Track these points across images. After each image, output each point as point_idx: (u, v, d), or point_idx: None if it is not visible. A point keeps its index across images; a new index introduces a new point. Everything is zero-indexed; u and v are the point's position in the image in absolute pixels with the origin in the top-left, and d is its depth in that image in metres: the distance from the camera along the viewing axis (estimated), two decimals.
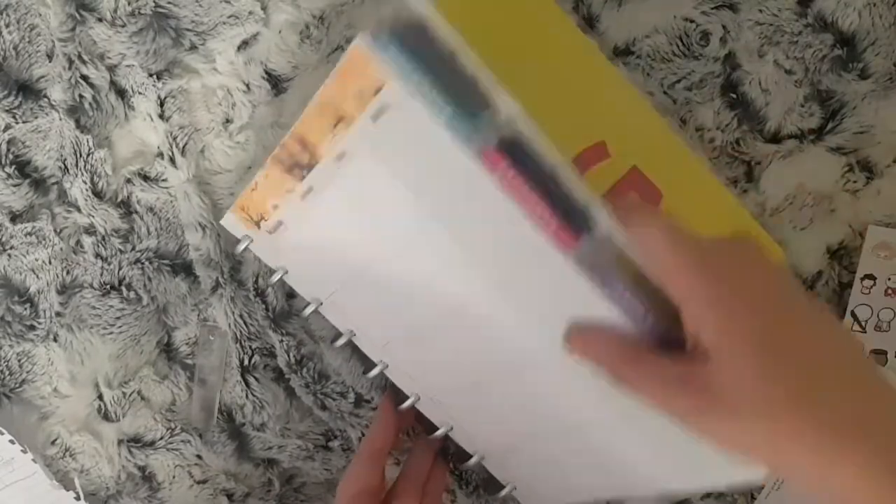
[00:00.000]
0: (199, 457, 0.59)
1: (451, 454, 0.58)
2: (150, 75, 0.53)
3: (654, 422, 0.41)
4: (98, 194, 0.55)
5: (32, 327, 0.57)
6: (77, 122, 0.53)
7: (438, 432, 0.53)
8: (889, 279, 0.55)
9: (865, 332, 0.55)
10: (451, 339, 0.48)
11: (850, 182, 0.54)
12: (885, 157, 0.54)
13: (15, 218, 0.56)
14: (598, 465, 0.49)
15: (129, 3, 0.52)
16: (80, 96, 0.53)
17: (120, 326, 0.57)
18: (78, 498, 0.58)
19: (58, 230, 0.56)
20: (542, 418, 0.49)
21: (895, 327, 0.55)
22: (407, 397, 0.53)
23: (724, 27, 0.53)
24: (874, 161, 0.54)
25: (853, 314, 0.55)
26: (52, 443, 0.58)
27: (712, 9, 0.53)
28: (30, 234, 0.56)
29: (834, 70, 0.53)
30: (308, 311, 0.52)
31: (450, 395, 0.51)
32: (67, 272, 0.56)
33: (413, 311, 0.47)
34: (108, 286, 0.56)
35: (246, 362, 0.57)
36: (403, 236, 0.44)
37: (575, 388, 0.45)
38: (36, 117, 0.55)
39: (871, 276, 0.55)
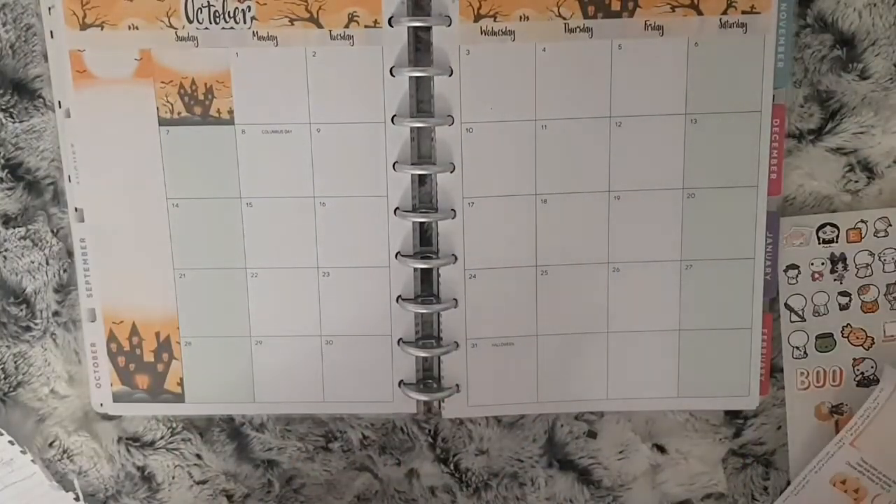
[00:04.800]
0: (198, 457, 0.59)
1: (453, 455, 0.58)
2: None
3: (661, 339, 0.55)
4: None
5: (28, 328, 0.57)
6: None
7: None
8: (811, 264, 0.55)
9: (805, 321, 0.56)
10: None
11: (850, 182, 0.54)
12: (886, 158, 0.54)
13: (9, 221, 0.55)
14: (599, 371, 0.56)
15: None
16: None
17: None
18: (77, 499, 0.58)
19: (54, 230, 0.56)
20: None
21: (833, 308, 0.56)
22: None
23: None
24: (874, 161, 0.54)
25: (787, 306, 0.56)
26: (50, 445, 0.58)
27: None
28: (24, 237, 0.56)
29: (834, 70, 0.53)
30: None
31: None
32: (65, 270, 0.56)
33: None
34: None
35: None
36: None
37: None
38: (31, 117, 0.54)
39: (794, 266, 0.55)
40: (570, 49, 0.51)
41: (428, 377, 0.57)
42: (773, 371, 0.57)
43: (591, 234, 0.54)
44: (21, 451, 0.56)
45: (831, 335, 0.56)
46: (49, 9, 0.52)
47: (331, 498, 0.59)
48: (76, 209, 0.55)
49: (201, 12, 0.52)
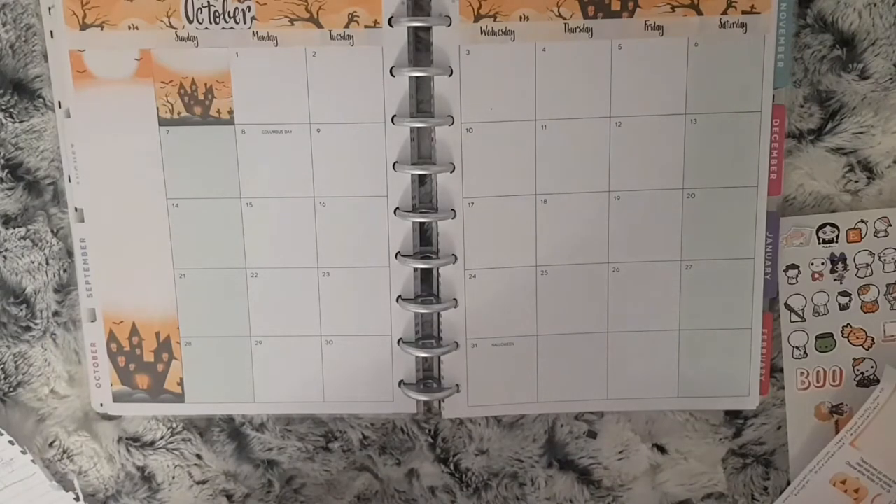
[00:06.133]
0: (198, 457, 0.59)
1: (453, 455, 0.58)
2: None
3: (662, 339, 0.55)
4: None
5: (28, 328, 0.57)
6: None
7: None
8: (811, 264, 0.55)
9: (805, 321, 0.56)
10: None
11: (850, 182, 0.54)
12: (886, 158, 0.54)
13: (9, 221, 0.55)
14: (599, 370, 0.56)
15: None
16: None
17: None
18: (77, 499, 0.57)
19: (54, 230, 0.56)
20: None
21: (833, 309, 0.56)
22: None
23: None
24: (874, 161, 0.54)
25: (787, 306, 0.56)
26: (50, 445, 0.58)
27: None
28: (23, 237, 0.56)
29: (834, 70, 0.53)
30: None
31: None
32: (64, 271, 0.56)
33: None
34: None
35: None
36: None
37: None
38: (31, 117, 0.54)
39: (794, 266, 0.55)
40: (570, 49, 0.52)
41: (428, 377, 0.57)
42: (773, 371, 0.57)
43: (591, 233, 0.54)
44: (21, 451, 0.56)
45: (831, 335, 0.56)
46: (49, 9, 0.52)
47: (331, 498, 0.59)
48: (76, 209, 0.55)
49: (201, 12, 0.52)
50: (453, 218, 0.54)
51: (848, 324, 0.56)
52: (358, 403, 0.57)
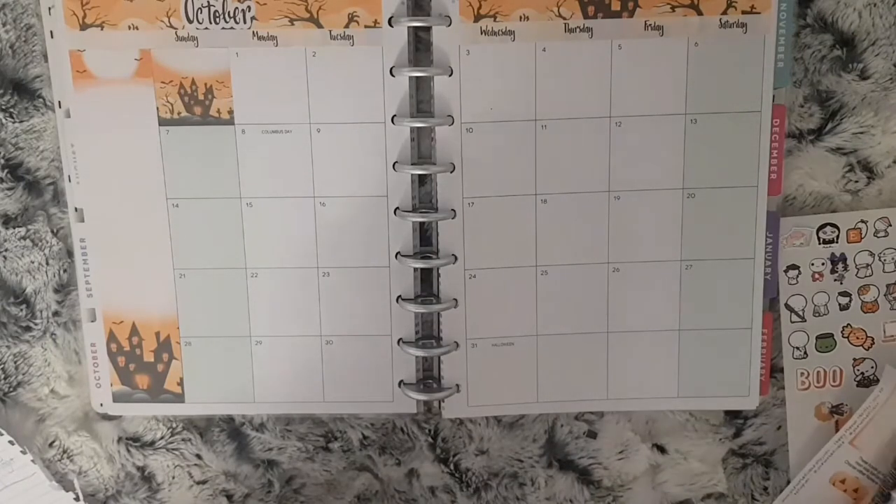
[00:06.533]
0: (198, 457, 0.59)
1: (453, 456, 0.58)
2: None
3: (662, 339, 0.55)
4: None
5: (28, 328, 0.57)
6: None
7: None
8: (812, 264, 0.55)
9: (805, 321, 0.56)
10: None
11: (850, 182, 0.54)
12: (886, 158, 0.54)
13: (9, 221, 0.55)
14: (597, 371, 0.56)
15: None
16: None
17: None
18: (77, 499, 0.58)
19: (54, 230, 0.56)
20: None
21: (833, 309, 0.56)
22: None
23: None
24: (874, 161, 0.54)
25: (787, 306, 0.56)
26: (50, 445, 0.58)
27: None
28: (24, 237, 0.56)
29: (834, 70, 0.53)
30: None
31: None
32: (65, 270, 0.56)
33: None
34: None
35: None
36: None
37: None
38: (31, 117, 0.54)
39: (794, 266, 0.55)
40: (570, 49, 0.52)
41: (428, 377, 0.57)
42: (773, 371, 0.57)
43: (591, 234, 0.54)
44: (21, 451, 0.56)
45: (831, 335, 0.56)
46: (49, 9, 0.52)
47: (331, 498, 0.59)
48: (76, 209, 0.55)
49: (201, 12, 0.52)
50: (453, 218, 0.54)
51: (848, 324, 0.56)
52: (358, 403, 0.57)
